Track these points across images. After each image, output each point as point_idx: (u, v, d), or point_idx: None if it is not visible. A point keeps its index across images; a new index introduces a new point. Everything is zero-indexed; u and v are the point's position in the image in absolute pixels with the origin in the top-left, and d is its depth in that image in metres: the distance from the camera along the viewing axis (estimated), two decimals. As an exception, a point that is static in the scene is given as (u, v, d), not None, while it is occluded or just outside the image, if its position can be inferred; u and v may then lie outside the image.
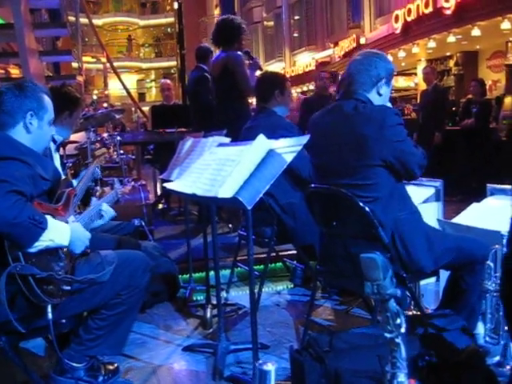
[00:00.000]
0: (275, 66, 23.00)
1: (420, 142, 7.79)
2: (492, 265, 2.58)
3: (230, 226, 5.37)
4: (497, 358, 2.55)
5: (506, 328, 2.52)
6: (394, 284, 1.14)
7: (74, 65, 11.47)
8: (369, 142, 2.43)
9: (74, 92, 3.57)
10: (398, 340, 1.14)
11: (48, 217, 2.05)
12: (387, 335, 1.14)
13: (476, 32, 10.29)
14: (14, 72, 8.35)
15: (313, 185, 2.72)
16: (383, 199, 2.48)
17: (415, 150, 2.54)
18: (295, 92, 19.23)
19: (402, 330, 1.15)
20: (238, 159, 2.20)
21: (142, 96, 35.43)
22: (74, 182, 3.56)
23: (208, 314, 3.41)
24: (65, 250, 2.17)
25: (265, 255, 3.67)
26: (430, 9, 11.39)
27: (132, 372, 2.84)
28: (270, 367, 1.00)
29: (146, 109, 11.56)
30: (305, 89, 19.70)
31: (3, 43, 7.82)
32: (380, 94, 2.62)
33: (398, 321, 1.15)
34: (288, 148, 2.18)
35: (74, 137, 5.14)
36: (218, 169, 2.34)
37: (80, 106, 3.60)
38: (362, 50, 2.81)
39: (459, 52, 13.02)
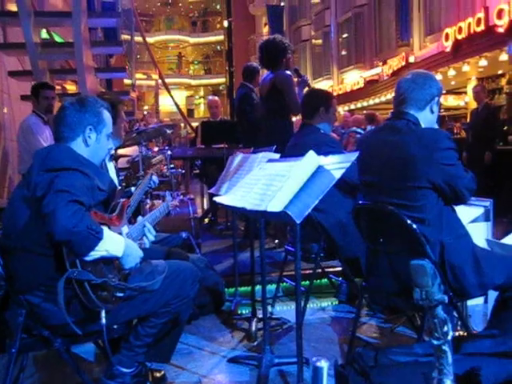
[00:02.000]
0: (323, 84, 23.03)
1: (470, 161, 7.69)
2: (542, 286, 2.53)
3: (276, 241, 5.40)
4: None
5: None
6: (442, 291, 1.16)
7: (126, 81, 11.82)
8: (418, 164, 2.44)
9: (110, 97, 3.62)
10: (445, 347, 1.16)
11: (104, 228, 2.14)
12: (434, 342, 1.16)
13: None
14: (70, 88, 8.68)
15: (360, 201, 2.74)
16: (430, 221, 2.48)
17: (465, 173, 2.53)
18: (342, 110, 19.22)
19: (449, 337, 1.16)
20: (288, 174, 2.25)
21: (190, 112, 36.05)
22: (133, 189, 3.67)
23: (253, 327, 3.45)
24: (116, 262, 2.25)
25: (311, 271, 3.69)
26: (482, 27, 11.25)
27: (178, 381, 2.90)
28: (323, 364, 1.03)
29: (194, 124, 11.78)
30: (352, 107, 19.66)
31: (62, 60, 8.14)
32: (433, 112, 2.66)
33: (446, 328, 1.16)
34: (337, 164, 2.21)
35: (125, 151, 5.31)
36: (267, 184, 2.38)
37: (119, 110, 3.63)
38: (411, 70, 2.83)
39: (511, 70, 12.76)
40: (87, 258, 2.07)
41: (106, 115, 2.44)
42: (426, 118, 2.64)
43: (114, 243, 2.16)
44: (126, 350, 2.46)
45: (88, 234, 2.01)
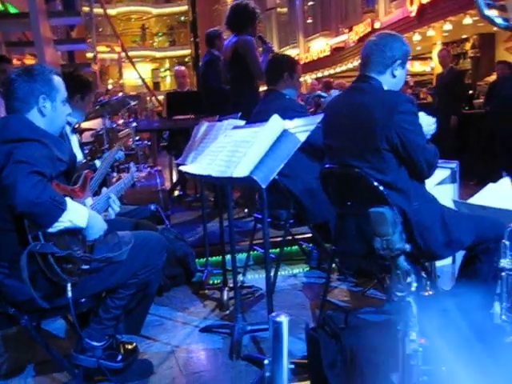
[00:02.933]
0: (289, 53, 22.82)
1: (437, 125, 7.74)
2: (508, 243, 2.57)
3: (246, 210, 5.39)
4: (513, 336, 2.54)
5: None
6: (404, 240, 1.15)
7: (89, 55, 11.54)
8: (378, 125, 2.42)
9: (86, 76, 3.63)
10: (409, 298, 1.16)
11: (67, 198, 2.08)
12: (398, 293, 1.16)
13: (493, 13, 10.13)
14: (30, 63, 8.42)
15: (327, 165, 2.72)
16: (396, 185, 2.47)
17: (426, 144, 2.50)
18: (310, 78, 19.17)
19: (413, 288, 1.16)
20: (253, 140, 2.21)
21: (156, 85, 35.53)
22: (98, 163, 3.60)
23: (225, 296, 3.45)
24: (81, 234, 2.20)
25: (281, 238, 3.69)
26: (446, -10, 11.27)
27: (150, 352, 2.89)
28: (283, 319, 1.02)
29: (160, 98, 11.59)
30: (319, 75, 19.61)
31: (19, 33, 7.88)
32: (394, 76, 2.61)
33: (409, 279, 1.16)
34: (301, 127, 2.19)
35: (89, 124, 5.20)
36: (233, 150, 2.35)
37: (92, 90, 3.66)
38: (379, 32, 2.79)
39: (476, 34, 12.84)
40: (51, 230, 2.02)
41: (57, 80, 2.35)
42: (388, 82, 2.60)
43: (77, 214, 2.11)
44: (96, 324, 2.43)
45: (51, 204, 1.96)
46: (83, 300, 2.34)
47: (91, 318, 2.45)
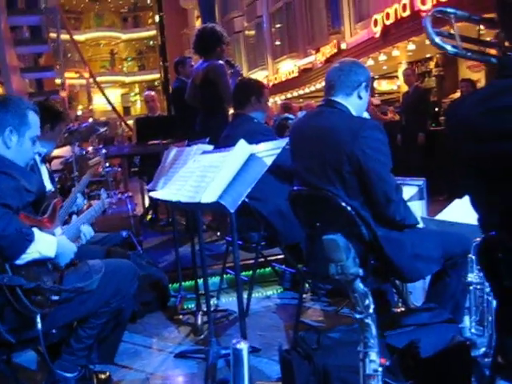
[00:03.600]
0: (258, 75, 23.09)
1: (404, 142, 7.88)
2: (474, 258, 2.62)
3: (219, 234, 5.39)
4: (483, 350, 2.59)
5: (490, 319, 2.57)
6: (357, 264, 1.18)
7: (58, 81, 11.49)
8: (342, 149, 2.45)
9: (57, 106, 3.60)
10: (368, 320, 1.19)
11: (35, 229, 2.07)
12: (357, 316, 1.18)
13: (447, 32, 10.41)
14: (-3, 91, 8.36)
15: (295, 187, 2.76)
16: (357, 209, 2.47)
17: (387, 176, 2.47)
18: (279, 99, 19.35)
19: (371, 310, 1.19)
20: (221, 165, 2.24)
21: (127, 110, 35.47)
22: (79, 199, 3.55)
23: (199, 321, 3.44)
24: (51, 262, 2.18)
25: (253, 260, 3.70)
26: (408, 12, 11.56)
27: (125, 381, 2.86)
28: (243, 345, 1.03)
29: (131, 122, 11.59)
30: (288, 96, 19.82)
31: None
32: (360, 98, 2.67)
33: (367, 301, 1.19)
34: (268, 151, 2.22)
35: (58, 151, 5.17)
36: (201, 175, 2.37)
37: (62, 120, 3.61)
38: (341, 59, 2.87)
39: (439, 53, 13.16)
40: (19, 262, 2.01)
41: (32, 117, 2.34)
42: (355, 104, 2.67)
43: (45, 244, 2.10)
44: (68, 354, 2.40)
45: (17, 236, 1.96)
46: (54, 331, 2.31)
47: (63, 348, 2.41)
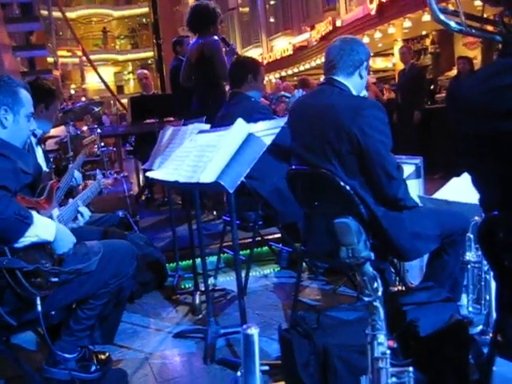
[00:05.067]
0: (252, 52, 22.92)
1: (400, 121, 7.86)
2: (472, 236, 2.63)
3: (215, 213, 5.39)
4: (480, 328, 2.61)
5: (487, 297, 2.59)
6: (368, 248, 1.18)
7: (50, 60, 11.36)
8: (342, 128, 2.44)
9: (49, 84, 3.54)
10: (376, 303, 1.18)
11: (33, 212, 2.06)
12: (365, 298, 1.18)
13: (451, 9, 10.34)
14: (-11, 70, 8.25)
15: (294, 166, 2.75)
16: (354, 188, 2.47)
17: (387, 154, 2.45)
18: (274, 77, 19.24)
19: (379, 293, 1.19)
20: (219, 144, 2.22)
21: (120, 88, 35.16)
22: (76, 173, 3.53)
23: (197, 301, 3.45)
24: (49, 247, 2.17)
25: (250, 240, 3.71)
26: (404, -12, 11.47)
27: (124, 361, 2.87)
28: (254, 331, 1.03)
29: (124, 101, 11.49)
30: (283, 74, 19.70)
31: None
32: (362, 77, 2.67)
33: (375, 284, 1.19)
34: (266, 131, 2.21)
35: (53, 131, 5.11)
36: (199, 155, 2.36)
37: (56, 98, 3.55)
38: (339, 36, 2.83)
39: (435, 30, 13.09)
40: (17, 245, 2.00)
41: (24, 94, 2.32)
42: (356, 83, 2.66)
43: (44, 228, 2.08)
44: (67, 336, 2.40)
45: (16, 219, 1.94)
46: (53, 313, 2.30)
47: (62, 329, 2.41)
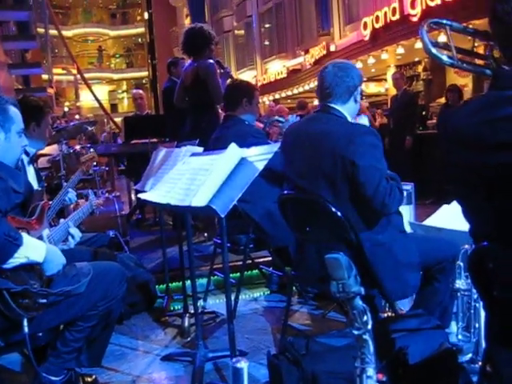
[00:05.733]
0: (247, 75, 23.08)
1: (392, 146, 7.92)
2: (462, 264, 2.64)
3: (206, 234, 5.37)
4: (469, 356, 2.61)
5: (476, 325, 2.59)
6: (359, 282, 1.18)
7: (45, 77, 11.39)
8: (338, 156, 2.45)
9: (36, 100, 3.47)
10: (366, 336, 1.19)
11: (23, 234, 2.04)
12: (355, 332, 1.18)
13: (443, 38, 10.45)
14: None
15: (285, 191, 2.76)
16: (350, 216, 2.48)
17: (380, 181, 2.45)
18: (267, 100, 19.35)
19: (369, 326, 1.19)
20: (211, 168, 2.23)
21: (114, 107, 35.25)
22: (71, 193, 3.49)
23: (186, 323, 3.42)
24: (38, 267, 2.15)
25: (241, 262, 3.70)
26: (397, 16, 11.63)
27: (111, 383, 2.84)
28: (243, 364, 1.03)
29: (118, 120, 11.52)
30: (277, 96, 19.83)
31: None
32: (356, 101, 2.69)
33: (365, 318, 1.19)
34: (260, 156, 2.21)
35: (46, 149, 5.12)
36: (191, 178, 2.36)
37: (46, 113, 3.48)
38: (331, 61, 2.85)
39: (427, 57, 13.24)
40: (6, 266, 1.98)
41: (13, 111, 2.30)
42: (351, 109, 2.69)
43: (34, 249, 2.07)
44: (54, 358, 2.38)
45: (5, 240, 1.92)
46: (40, 334, 2.28)
47: (49, 351, 2.39)
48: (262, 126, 5.46)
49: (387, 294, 2.57)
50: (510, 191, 1.34)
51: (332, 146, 2.47)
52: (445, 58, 1.36)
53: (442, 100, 10.11)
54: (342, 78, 2.63)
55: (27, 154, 3.20)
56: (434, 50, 1.35)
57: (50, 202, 3.09)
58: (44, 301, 2.12)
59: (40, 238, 2.26)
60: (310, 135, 2.62)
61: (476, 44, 1.59)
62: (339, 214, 2.43)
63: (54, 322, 2.30)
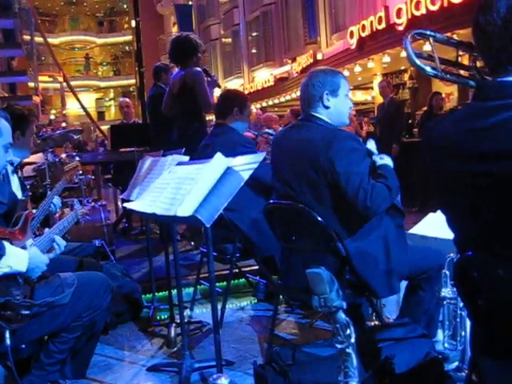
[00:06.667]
0: (234, 83, 23.13)
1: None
2: (448, 273, 2.65)
3: (193, 243, 5.35)
4: (455, 364, 2.61)
5: (462, 334, 2.60)
6: (341, 296, 1.18)
7: (31, 84, 11.33)
8: (319, 162, 2.46)
9: (21, 109, 3.44)
10: (349, 350, 1.18)
11: (6, 243, 2.02)
12: (338, 346, 1.18)
13: (428, 47, 10.53)
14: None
15: (272, 201, 2.76)
16: (334, 223, 2.49)
17: (361, 185, 2.43)
18: (254, 108, 19.38)
19: (352, 340, 1.19)
20: (197, 178, 2.22)
21: (101, 115, 35.15)
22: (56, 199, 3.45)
23: (172, 333, 3.39)
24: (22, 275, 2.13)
25: (227, 271, 3.68)
26: (383, 25, 11.73)
27: (95, 395, 2.81)
28: (224, 381, 1.02)
29: (105, 128, 11.46)
30: (264, 104, 19.88)
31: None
32: (326, 107, 2.64)
33: (348, 331, 1.18)
34: (245, 165, 2.21)
35: (31, 158, 5.07)
36: (177, 187, 2.34)
37: (31, 122, 3.46)
38: (312, 69, 2.85)
39: (413, 66, 13.35)
40: (-12, 277, 1.95)
41: (3, 124, 2.29)
42: (333, 113, 2.65)
43: (16, 258, 2.05)
44: (37, 370, 2.35)
45: None
46: (23, 346, 2.25)
47: (32, 363, 2.36)
48: (253, 136, 5.47)
49: (376, 294, 2.57)
50: (494, 200, 1.35)
51: (313, 153, 2.48)
52: (428, 68, 1.37)
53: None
54: (307, 87, 2.64)
55: (12, 163, 3.17)
56: (417, 61, 1.36)
57: (34, 211, 3.06)
58: (27, 312, 2.10)
59: (23, 248, 2.24)
60: (294, 143, 2.63)
61: (461, 53, 1.59)
62: (323, 222, 2.43)
63: (38, 334, 2.27)
